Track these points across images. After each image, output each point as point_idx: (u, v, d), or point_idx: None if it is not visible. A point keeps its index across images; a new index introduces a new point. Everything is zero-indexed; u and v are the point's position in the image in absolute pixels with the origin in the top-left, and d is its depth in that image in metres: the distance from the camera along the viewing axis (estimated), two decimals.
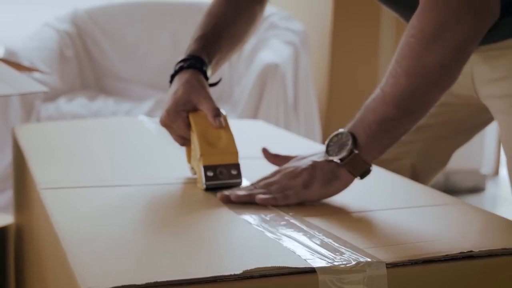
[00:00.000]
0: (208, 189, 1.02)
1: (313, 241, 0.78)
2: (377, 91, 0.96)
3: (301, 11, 3.20)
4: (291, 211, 0.90)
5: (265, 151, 1.08)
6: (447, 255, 0.74)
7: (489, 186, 3.84)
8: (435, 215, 0.92)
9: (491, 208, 3.51)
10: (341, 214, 0.92)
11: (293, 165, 1.00)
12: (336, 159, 0.95)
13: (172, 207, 0.96)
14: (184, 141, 1.12)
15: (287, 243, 0.77)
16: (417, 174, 1.32)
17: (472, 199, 3.67)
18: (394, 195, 1.04)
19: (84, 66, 3.10)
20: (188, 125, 1.08)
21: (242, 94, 2.67)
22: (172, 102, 1.09)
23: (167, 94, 1.12)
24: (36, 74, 2.73)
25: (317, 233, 0.81)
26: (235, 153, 1.05)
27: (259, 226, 0.83)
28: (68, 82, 2.96)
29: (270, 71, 2.50)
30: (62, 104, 2.73)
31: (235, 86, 2.95)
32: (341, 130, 0.97)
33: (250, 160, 1.10)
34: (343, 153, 0.94)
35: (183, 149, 1.13)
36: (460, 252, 0.74)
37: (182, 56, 1.15)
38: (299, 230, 0.82)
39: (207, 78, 1.13)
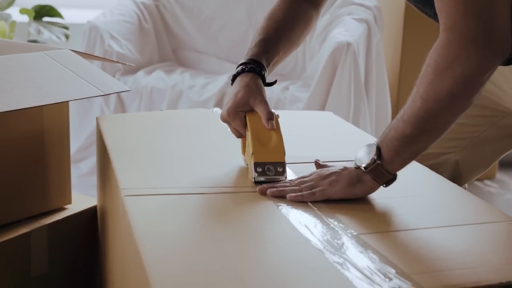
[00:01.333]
0: (257, 182, 1.18)
1: (367, 265, 0.85)
2: (401, 111, 1.09)
3: None
4: (349, 228, 0.98)
5: (317, 163, 1.22)
6: (488, 285, 0.80)
7: None
8: (482, 236, 0.98)
9: None
10: (395, 232, 0.99)
11: (327, 168, 1.14)
12: (361, 166, 1.09)
13: (241, 220, 1.04)
14: (240, 135, 1.28)
15: (343, 266, 0.85)
16: (459, 171, 1.43)
17: None
18: (449, 210, 1.10)
19: (162, 39, 3.21)
20: (245, 124, 1.25)
21: (315, 71, 2.73)
22: (233, 103, 1.25)
23: (229, 93, 1.27)
24: (118, 48, 2.85)
25: (371, 254, 0.89)
26: (283, 153, 1.21)
27: (320, 245, 0.91)
28: (147, 55, 3.07)
29: (342, 50, 2.54)
30: (141, 77, 2.85)
31: (308, 62, 3.01)
32: (371, 142, 1.10)
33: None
34: (368, 161, 1.09)
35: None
36: (499, 283, 0.81)
37: (244, 58, 1.30)
38: (356, 251, 0.90)
39: (264, 81, 1.28)
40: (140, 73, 2.88)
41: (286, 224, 1.00)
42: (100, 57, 2.30)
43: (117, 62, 1.84)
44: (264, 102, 1.24)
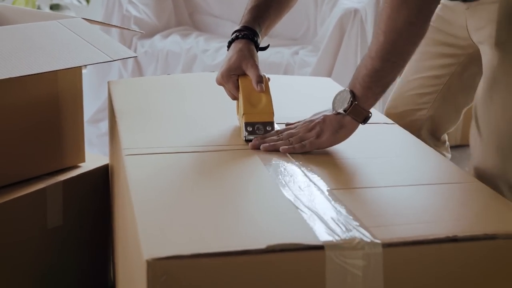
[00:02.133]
0: (247, 140, 1.30)
1: (331, 217, 0.96)
2: (369, 48, 1.21)
3: None
4: (327, 183, 1.08)
5: (288, 124, 1.33)
6: (434, 238, 0.91)
7: None
8: (443, 195, 1.08)
9: None
10: (365, 188, 1.10)
11: (309, 119, 1.26)
12: (341, 110, 1.21)
13: (228, 176, 1.15)
14: (234, 97, 1.40)
15: (309, 218, 0.96)
16: (435, 124, 1.60)
17: None
18: (418, 170, 1.20)
19: (178, 3, 3.30)
20: (237, 87, 1.37)
21: (324, 36, 2.81)
22: (226, 67, 1.37)
23: (224, 58, 1.40)
24: (136, 13, 2.96)
25: (338, 207, 1.00)
26: (271, 113, 1.32)
27: (292, 197, 1.02)
28: (164, 19, 3.17)
29: (349, 16, 2.62)
30: (157, 41, 2.95)
31: (319, 27, 3.09)
32: (341, 89, 1.23)
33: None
34: (345, 105, 1.21)
35: None
36: (446, 236, 0.91)
37: (237, 26, 1.42)
38: (326, 203, 1.01)
39: (257, 46, 1.39)
40: (157, 37, 2.99)
41: (266, 179, 1.11)
42: (111, 25, 2.40)
43: (123, 28, 1.94)
44: (255, 66, 1.35)
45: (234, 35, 1.41)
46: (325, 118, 1.24)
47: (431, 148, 1.33)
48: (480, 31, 1.42)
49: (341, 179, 1.13)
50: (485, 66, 1.39)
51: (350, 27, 2.63)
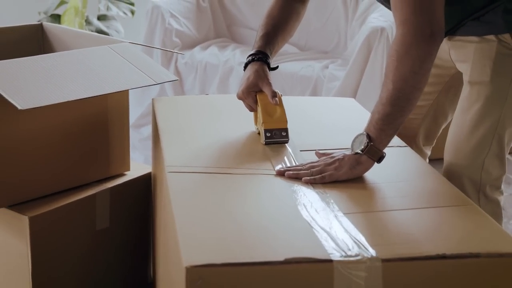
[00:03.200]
0: (267, 143, 1.57)
1: (341, 237, 1.14)
2: (380, 96, 1.41)
3: None
4: (339, 207, 1.26)
5: (317, 153, 1.53)
6: (426, 256, 1.08)
7: None
8: (437, 217, 1.25)
9: None
10: (372, 212, 1.27)
11: (330, 156, 1.45)
12: (358, 151, 1.40)
13: (255, 196, 1.34)
14: (252, 109, 1.68)
15: (322, 236, 1.14)
16: (428, 130, 1.85)
17: None
18: (421, 194, 1.36)
19: (217, 16, 3.49)
20: (256, 101, 1.64)
21: (353, 51, 2.98)
22: (246, 85, 1.65)
23: (242, 77, 1.69)
24: (177, 26, 3.15)
25: (347, 228, 1.17)
26: (285, 121, 1.59)
27: (309, 218, 1.20)
28: (204, 31, 3.37)
29: (376, 34, 2.79)
30: (197, 53, 3.15)
31: (349, 42, 3.26)
32: (359, 133, 1.42)
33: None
34: (362, 146, 1.40)
35: None
36: (436, 254, 1.08)
37: (252, 49, 1.70)
38: (337, 225, 1.19)
39: (269, 66, 1.68)
40: (197, 49, 3.18)
41: (288, 202, 1.29)
42: (154, 47, 2.58)
43: (165, 49, 2.14)
44: (270, 84, 1.63)
45: (249, 58, 1.68)
46: (344, 156, 1.42)
47: (434, 169, 1.50)
48: (460, 63, 1.66)
49: (352, 204, 1.29)
50: (462, 91, 1.65)
51: (376, 44, 2.79)
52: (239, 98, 1.68)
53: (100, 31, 3.41)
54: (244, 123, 1.73)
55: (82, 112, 1.75)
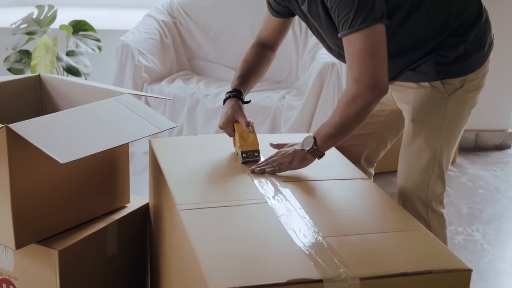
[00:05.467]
0: (243, 162, 2.01)
1: (327, 259, 1.50)
2: (327, 119, 1.92)
3: None
4: (322, 231, 1.62)
5: (271, 144, 2.07)
6: (392, 274, 1.45)
7: None
8: (400, 240, 1.61)
9: None
10: (348, 236, 1.63)
11: (285, 149, 1.98)
12: (305, 148, 1.93)
13: (257, 227, 1.69)
14: (232, 135, 2.10)
15: (314, 260, 1.49)
16: (370, 155, 2.31)
17: (497, 155, 4.36)
18: (381, 220, 1.74)
19: (179, 51, 3.83)
20: (233, 129, 2.08)
21: (306, 82, 3.36)
22: (225, 118, 2.09)
23: (222, 110, 2.11)
24: (145, 62, 3.47)
25: (329, 253, 1.53)
26: (257, 144, 2.05)
27: (301, 245, 1.56)
28: (168, 65, 3.69)
29: (328, 69, 3.17)
30: (164, 86, 3.48)
31: (300, 72, 3.65)
32: (310, 134, 1.93)
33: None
34: (308, 147, 1.93)
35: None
36: (400, 272, 1.46)
37: (230, 88, 2.14)
38: (323, 248, 1.55)
39: (243, 101, 2.12)
40: (164, 82, 3.51)
41: (281, 231, 1.63)
42: (147, 94, 2.90)
43: (154, 96, 2.47)
44: (244, 116, 2.07)
45: (227, 94, 2.12)
46: (295, 151, 1.94)
47: (393, 200, 1.88)
48: (401, 104, 2.09)
49: (330, 228, 1.66)
50: (405, 126, 2.10)
51: (328, 78, 3.18)
52: (221, 128, 2.11)
53: (70, 66, 3.70)
54: (229, 156, 2.11)
55: (95, 155, 2.04)
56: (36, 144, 1.74)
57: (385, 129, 2.24)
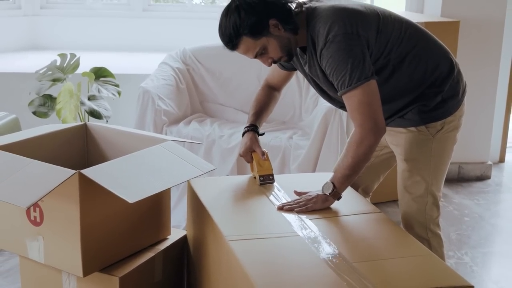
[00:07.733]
0: (261, 184, 2.48)
1: (354, 281, 1.84)
2: (341, 162, 2.33)
3: None
4: (349, 258, 1.96)
5: (295, 191, 2.39)
6: None
7: (494, 174, 4.88)
8: (408, 265, 1.93)
9: (495, 193, 4.55)
10: (373, 261, 1.98)
11: (309, 194, 2.32)
12: (327, 193, 2.28)
13: (297, 256, 2.02)
14: (249, 162, 2.56)
15: (341, 279, 1.83)
16: (365, 185, 2.69)
17: (479, 185, 4.72)
18: (389, 249, 2.08)
19: (192, 95, 4.17)
20: (251, 158, 2.54)
21: (311, 123, 3.72)
22: (244, 148, 2.56)
23: (241, 141, 2.57)
24: (164, 107, 3.81)
25: (357, 275, 1.87)
26: (271, 169, 2.52)
27: (329, 264, 1.90)
28: (183, 108, 4.03)
29: (331, 113, 3.54)
30: (182, 128, 3.82)
31: (304, 114, 4.02)
32: (328, 180, 2.29)
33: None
34: (329, 191, 2.28)
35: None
36: None
37: (247, 123, 2.61)
38: (347, 270, 1.89)
39: (258, 134, 2.58)
40: (181, 125, 3.85)
41: (313, 256, 1.97)
42: (185, 140, 3.20)
43: (190, 141, 2.83)
44: (259, 146, 2.54)
45: (246, 128, 2.58)
46: (318, 195, 2.28)
47: (403, 230, 2.24)
48: (393, 146, 2.49)
49: (353, 255, 2.00)
50: (399, 164, 2.49)
51: (332, 120, 3.54)
52: (241, 155, 2.57)
53: (93, 110, 4.02)
54: (257, 192, 2.45)
55: None
56: (106, 187, 2.06)
57: (378, 165, 2.66)
